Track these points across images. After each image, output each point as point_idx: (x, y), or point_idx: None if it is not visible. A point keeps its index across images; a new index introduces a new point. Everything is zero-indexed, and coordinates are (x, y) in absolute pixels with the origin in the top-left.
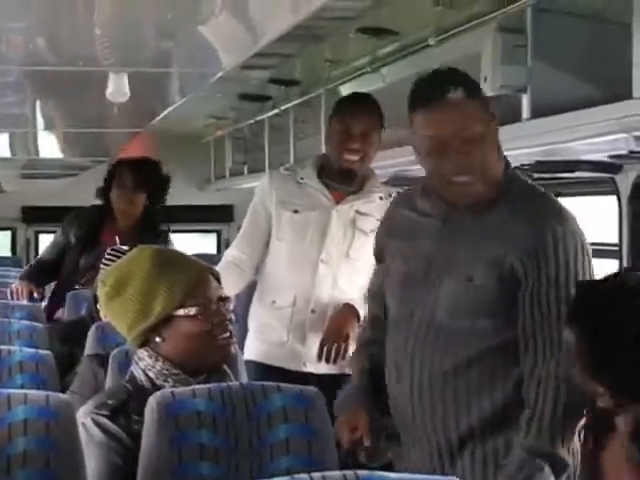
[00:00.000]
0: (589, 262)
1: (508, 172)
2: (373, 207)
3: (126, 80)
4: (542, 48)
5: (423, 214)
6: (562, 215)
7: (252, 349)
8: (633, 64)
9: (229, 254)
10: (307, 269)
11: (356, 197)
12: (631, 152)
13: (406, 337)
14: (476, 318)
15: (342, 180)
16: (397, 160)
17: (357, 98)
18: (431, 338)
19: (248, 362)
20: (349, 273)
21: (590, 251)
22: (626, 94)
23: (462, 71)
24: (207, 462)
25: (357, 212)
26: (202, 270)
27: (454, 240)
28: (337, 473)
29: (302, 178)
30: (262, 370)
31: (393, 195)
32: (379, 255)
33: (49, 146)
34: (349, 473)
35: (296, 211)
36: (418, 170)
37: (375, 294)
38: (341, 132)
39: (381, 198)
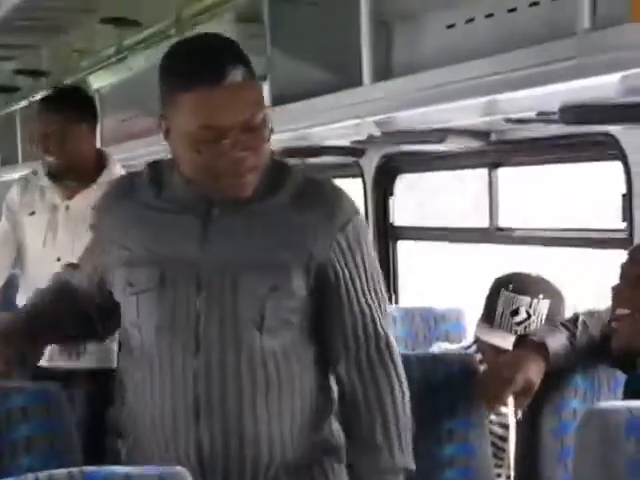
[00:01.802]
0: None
1: (275, 159)
2: None
3: None
4: (279, 37)
5: (167, 210)
6: (351, 202)
7: None
8: (362, 51)
9: None
10: (45, 270)
11: (87, 191)
12: (371, 137)
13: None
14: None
15: (74, 176)
16: (148, 149)
17: (46, 98)
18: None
19: None
20: None
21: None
22: (358, 81)
23: (236, 44)
24: None
25: (89, 206)
26: None
27: (228, 239)
28: (63, 471)
29: (39, 180)
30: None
31: None
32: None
33: None
34: (75, 470)
35: (33, 213)
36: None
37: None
38: (39, 133)
39: None
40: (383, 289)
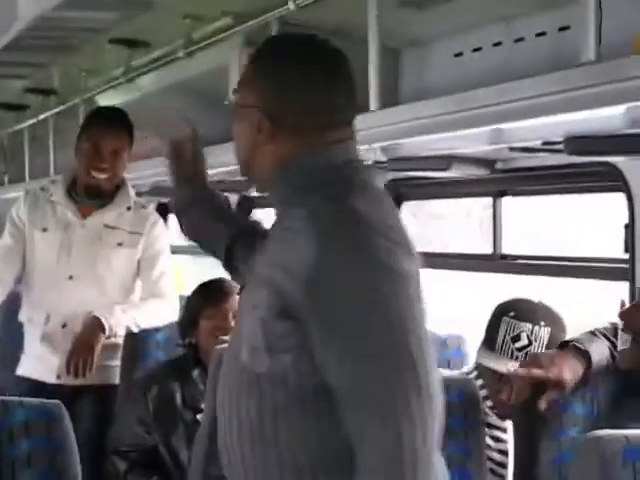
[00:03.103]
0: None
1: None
2: (121, 219)
3: None
4: None
5: None
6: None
7: (20, 364)
8: (370, 77)
9: None
10: (56, 287)
11: (104, 210)
12: (376, 162)
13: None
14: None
15: (91, 195)
16: (155, 170)
17: (106, 115)
18: (236, 382)
19: (17, 377)
20: (98, 287)
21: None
22: (365, 106)
23: None
24: None
25: (105, 226)
26: None
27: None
28: None
29: (52, 196)
30: (22, 384)
31: (146, 205)
32: None
33: None
34: None
35: (45, 230)
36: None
37: None
38: (90, 151)
39: (129, 209)
40: (389, 354)
